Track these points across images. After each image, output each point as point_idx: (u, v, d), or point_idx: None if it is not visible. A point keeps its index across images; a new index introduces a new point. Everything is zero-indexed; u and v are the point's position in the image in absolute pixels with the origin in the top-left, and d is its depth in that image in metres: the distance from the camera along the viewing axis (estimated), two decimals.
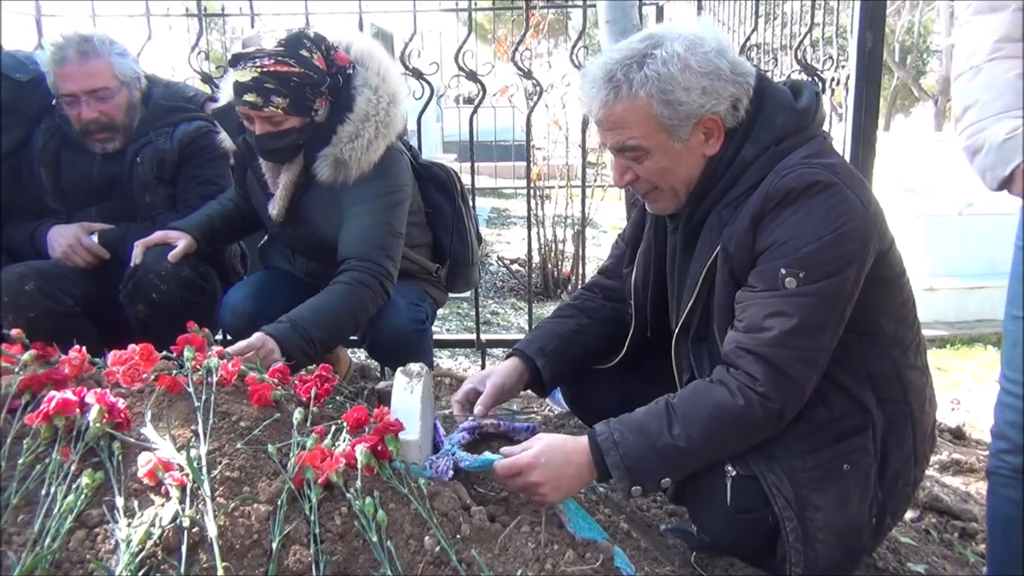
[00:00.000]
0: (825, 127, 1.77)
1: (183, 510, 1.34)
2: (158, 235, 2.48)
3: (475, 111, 3.34)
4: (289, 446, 1.53)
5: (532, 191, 4.05)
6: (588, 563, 1.49)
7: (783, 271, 1.53)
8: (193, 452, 1.44)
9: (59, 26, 3.30)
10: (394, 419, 1.57)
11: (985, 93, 1.55)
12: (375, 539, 1.38)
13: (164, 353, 1.73)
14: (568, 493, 1.62)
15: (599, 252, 6.21)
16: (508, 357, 2.03)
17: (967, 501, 2.45)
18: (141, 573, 1.28)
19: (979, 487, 2.54)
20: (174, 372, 1.67)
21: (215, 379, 1.64)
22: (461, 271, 2.81)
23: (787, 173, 1.56)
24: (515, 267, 6.16)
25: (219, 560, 1.29)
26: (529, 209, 3.74)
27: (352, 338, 2.63)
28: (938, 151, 7.41)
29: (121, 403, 1.52)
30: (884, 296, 1.66)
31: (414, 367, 1.69)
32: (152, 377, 1.65)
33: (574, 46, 3.24)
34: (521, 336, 3.57)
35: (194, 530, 1.32)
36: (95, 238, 2.62)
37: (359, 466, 1.47)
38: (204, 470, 1.41)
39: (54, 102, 2.65)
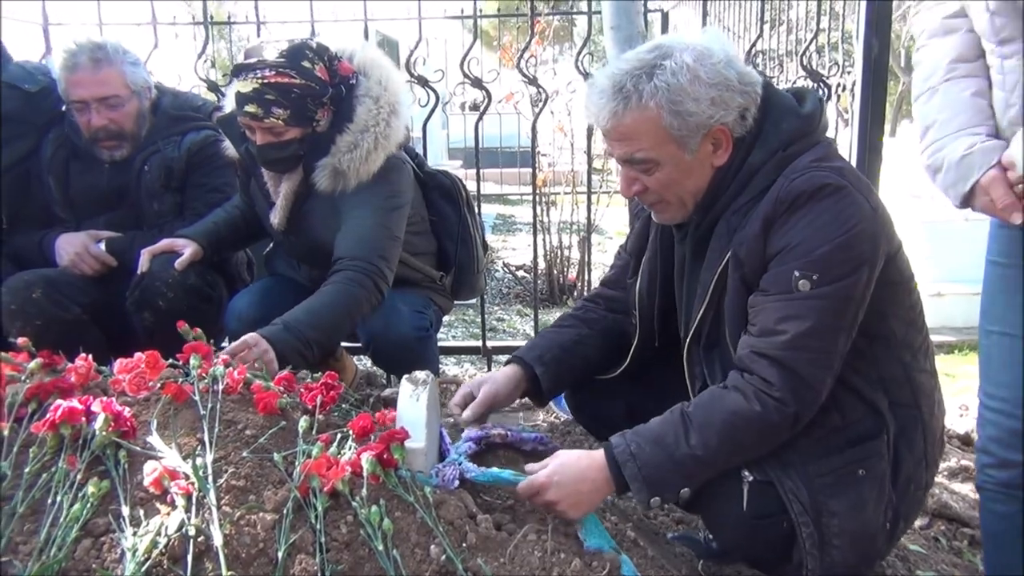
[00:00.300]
0: (831, 133, 1.78)
1: (189, 519, 1.34)
2: (164, 243, 2.49)
3: (480, 118, 3.35)
4: (295, 454, 1.52)
5: (538, 197, 4.05)
6: (595, 572, 1.48)
7: (796, 274, 1.53)
8: (199, 461, 1.44)
9: (66, 34, 3.32)
10: (400, 427, 1.57)
11: (942, 113, 1.58)
12: (381, 548, 1.37)
13: (170, 361, 1.73)
14: (587, 509, 1.61)
15: (605, 258, 6.20)
16: (507, 364, 2.03)
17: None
18: None
19: None
20: (180, 380, 1.67)
21: (221, 387, 1.63)
22: (466, 279, 2.80)
23: (796, 177, 1.55)
24: (521, 273, 6.15)
25: (224, 569, 1.28)
26: (535, 215, 3.74)
27: (356, 345, 2.63)
28: None
29: (127, 411, 1.52)
30: (894, 299, 1.66)
31: (420, 375, 1.69)
32: (158, 385, 1.64)
33: (579, 53, 3.25)
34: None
35: (200, 539, 1.32)
36: (102, 246, 2.63)
37: (365, 474, 1.47)
38: (210, 479, 1.41)
39: (64, 108, 2.66)
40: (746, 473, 1.60)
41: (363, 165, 2.31)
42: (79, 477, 1.42)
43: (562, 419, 2.93)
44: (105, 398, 1.54)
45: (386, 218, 2.38)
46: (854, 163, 3.07)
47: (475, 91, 3.34)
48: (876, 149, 3.14)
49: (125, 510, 1.37)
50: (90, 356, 1.74)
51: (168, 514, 1.36)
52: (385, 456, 1.50)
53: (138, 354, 1.71)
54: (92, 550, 1.34)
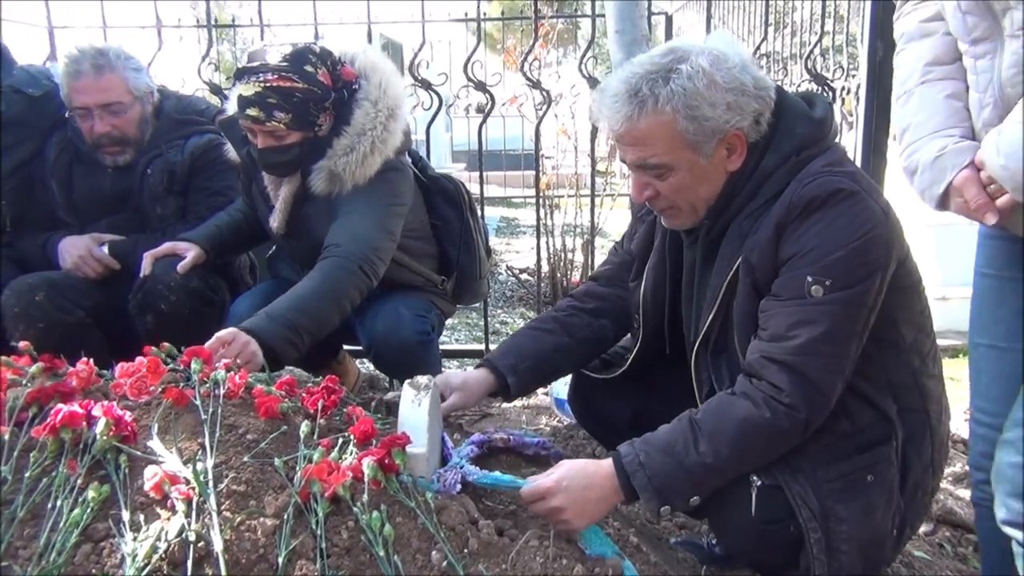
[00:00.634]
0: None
1: (189, 524, 1.33)
2: (167, 246, 2.48)
3: (484, 121, 3.34)
4: (296, 459, 1.52)
5: (541, 200, 4.04)
6: None
7: (809, 279, 1.52)
8: (199, 465, 1.43)
9: (71, 37, 3.33)
10: (401, 432, 1.56)
11: (917, 116, 1.57)
12: (382, 553, 1.37)
13: (171, 366, 1.72)
14: (593, 518, 1.60)
15: None
16: (479, 367, 2.00)
17: None
18: None
19: None
20: (181, 384, 1.67)
21: (222, 391, 1.63)
22: (468, 284, 2.79)
23: (809, 181, 1.55)
24: (524, 276, 6.14)
25: (225, 575, 1.28)
26: (538, 218, 3.73)
27: (358, 348, 2.62)
28: None
29: (128, 416, 1.52)
30: (904, 304, 1.65)
31: (422, 379, 1.68)
32: (159, 389, 1.64)
33: (583, 56, 3.24)
34: None
35: (200, 544, 1.32)
36: (105, 249, 2.63)
37: (366, 480, 1.46)
38: (210, 483, 1.40)
39: (67, 115, 2.67)
40: (755, 478, 1.59)
41: (359, 169, 2.30)
42: (79, 482, 1.42)
43: (565, 423, 2.92)
44: (106, 402, 1.53)
45: (381, 215, 2.36)
46: (859, 166, 3.07)
47: (479, 94, 3.34)
48: (881, 152, 3.13)
49: (125, 515, 1.37)
50: (91, 360, 1.73)
51: (168, 519, 1.36)
52: (386, 461, 1.49)
53: (139, 358, 1.71)
54: (92, 555, 1.33)
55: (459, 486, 1.61)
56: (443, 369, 3.29)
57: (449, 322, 3.62)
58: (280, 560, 1.32)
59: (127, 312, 2.49)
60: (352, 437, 1.60)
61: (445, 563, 1.39)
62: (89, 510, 1.37)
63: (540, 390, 3.46)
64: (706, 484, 1.58)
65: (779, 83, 3.69)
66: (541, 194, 4.04)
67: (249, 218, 2.63)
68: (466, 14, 3.51)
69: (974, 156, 1.45)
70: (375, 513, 1.41)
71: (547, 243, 5.42)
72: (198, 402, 1.59)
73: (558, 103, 4.68)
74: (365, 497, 1.44)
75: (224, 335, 1.91)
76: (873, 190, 1.59)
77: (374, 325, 2.42)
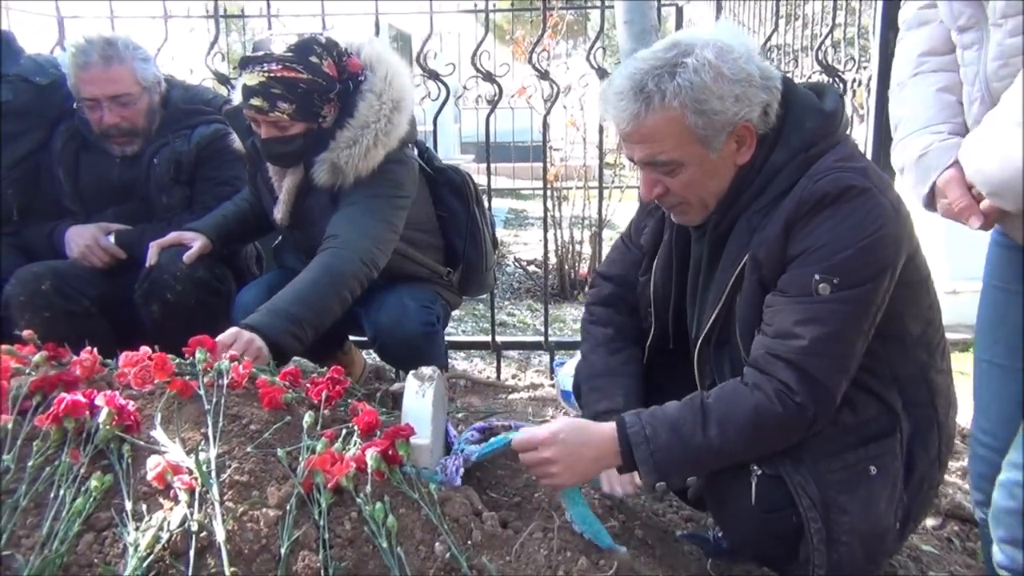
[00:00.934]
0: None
1: (191, 514, 1.33)
2: (173, 236, 2.48)
3: (492, 112, 3.33)
4: (299, 450, 1.51)
5: (549, 192, 4.03)
6: (602, 571, 1.47)
7: (817, 277, 1.50)
8: (202, 455, 1.43)
9: (81, 27, 3.32)
10: (405, 423, 1.55)
11: (907, 110, 1.52)
12: (385, 545, 1.36)
13: (177, 361, 1.71)
14: (582, 477, 1.59)
15: None
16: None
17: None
18: None
19: None
20: (185, 374, 1.66)
21: (226, 381, 1.62)
22: (474, 276, 2.78)
23: (820, 177, 1.52)
24: (532, 268, 6.13)
25: (227, 565, 1.28)
26: (546, 210, 3.71)
27: (364, 339, 2.61)
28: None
29: (131, 405, 1.51)
30: (911, 299, 1.63)
31: (426, 371, 1.67)
32: (163, 380, 1.64)
33: (591, 47, 3.22)
34: (537, 338, 3.59)
35: (202, 534, 1.32)
36: (112, 238, 2.63)
37: (369, 471, 1.45)
38: (213, 474, 1.40)
39: (75, 106, 2.66)
40: (755, 467, 1.58)
41: (362, 162, 2.29)
42: (82, 471, 1.42)
43: (572, 415, 2.91)
44: (109, 392, 1.53)
45: (382, 206, 2.35)
46: (869, 159, 3.04)
47: (487, 85, 3.32)
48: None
49: (128, 505, 1.37)
50: (95, 349, 1.73)
51: (171, 509, 1.36)
52: (390, 452, 1.48)
53: (144, 348, 1.70)
54: (95, 544, 1.33)
55: (462, 471, 1.61)
56: (449, 360, 3.30)
57: (456, 313, 3.61)
58: (282, 551, 1.32)
59: (133, 302, 2.49)
60: (356, 428, 1.60)
61: (448, 555, 1.38)
62: (92, 499, 1.37)
63: (546, 381, 3.46)
64: (707, 467, 1.58)
65: (790, 75, 3.67)
66: (549, 186, 4.02)
67: (255, 208, 2.63)
68: (475, 4, 3.49)
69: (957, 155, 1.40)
70: (378, 504, 1.40)
71: (555, 235, 5.41)
72: (202, 392, 1.59)
73: (567, 94, 4.65)
74: (368, 488, 1.43)
75: (225, 338, 1.88)
76: (884, 185, 1.56)
77: (379, 316, 2.41)
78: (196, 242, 2.46)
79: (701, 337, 1.72)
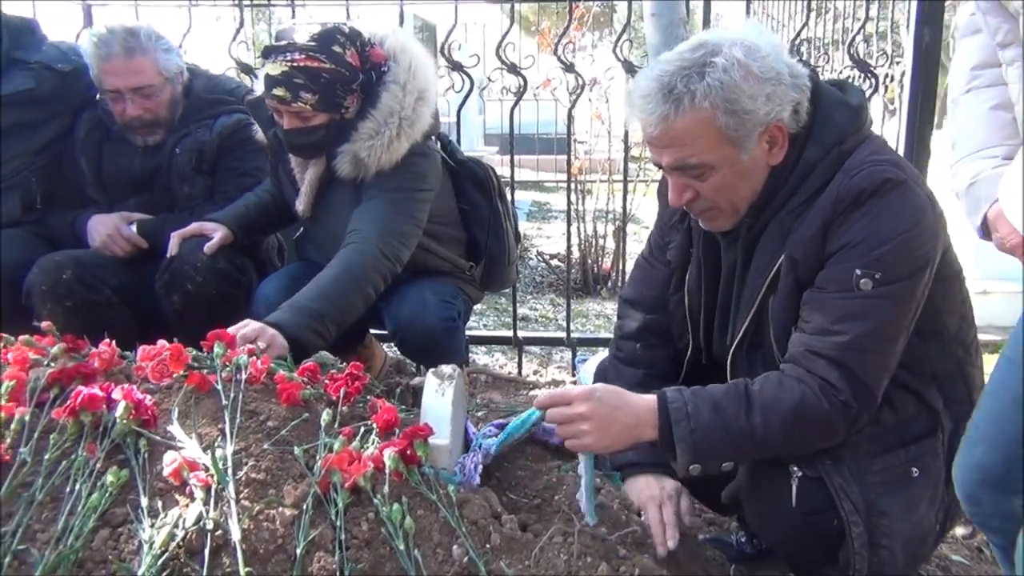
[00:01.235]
0: (876, 126, 1.68)
1: (207, 512, 1.32)
2: (194, 226, 2.47)
3: (516, 104, 3.29)
4: (316, 447, 1.49)
5: (573, 185, 3.98)
6: None
7: (858, 272, 1.46)
8: (219, 452, 1.41)
9: (106, 14, 3.32)
10: (424, 423, 1.53)
11: (960, 131, 1.46)
12: (402, 547, 1.34)
13: (195, 354, 1.70)
14: (612, 442, 1.52)
15: (640, 248, 6.11)
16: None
17: None
18: None
19: None
20: (203, 368, 1.64)
21: (244, 376, 1.61)
22: (497, 270, 2.75)
23: (856, 172, 1.48)
24: (554, 262, 6.09)
25: (242, 565, 1.26)
26: (569, 203, 3.68)
27: (383, 332, 2.59)
28: None
29: (148, 399, 1.50)
30: (947, 294, 1.59)
31: (446, 369, 1.64)
32: (181, 373, 1.62)
33: (618, 39, 3.17)
34: (560, 334, 3.55)
35: (218, 533, 1.30)
36: (134, 228, 2.62)
37: (387, 471, 1.43)
38: (229, 471, 1.39)
39: (97, 97, 2.65)
40: (795, 468, 1.54)
41: (385, 153, 2.26)
42: (99, 465, 1.41)
43: None
44: (127, 385, 1.51)
45: (405, 200, 2.32)
46: (902, 156, 2.98)
47: (512, 77, 3.28)
48: (925, 142, 3.04)
49: (144, 500, 1.36)
50: (116, 341, 1.72)
51: (186, 506, 1.34)
52: (408, 452, 1.46)
53: (161, 341, 1.69)
54: (110, 540, 1.32)
55: (480, 472, 1.58)
56: (470, 355, 3.27)
57: (478, 308, 3.58)
58: (298, 551, 1.30)
59: (154, 291, 2.48)
60: (375, 426, 1.57)
61: (466, 558, 1.36)
62: (108, 494, 1.36)
63: (568, 378, 3.43)
64: (744, 454, 1.53)
65: (819, 69, 3.60)
66: (573, 179, 3.98)
67: (277, 199, 2.61)
68: None
69: None
70: (396, 505, 1.38)
71: (578, 229, 5.37)
72: (220, 387, 1.57)
73: (592, 87, 4.60)
74: (386, 488, 1.41)
75: (249, 333, 1.85)
76: (918, 178, 1.53)
77: (399, 311, 2.39)
78: (217, 233, 2.45)
79: (735, 343, 1.68)
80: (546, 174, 9.93)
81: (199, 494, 1.34)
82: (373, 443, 1.52)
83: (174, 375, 1.62)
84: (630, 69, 3.13)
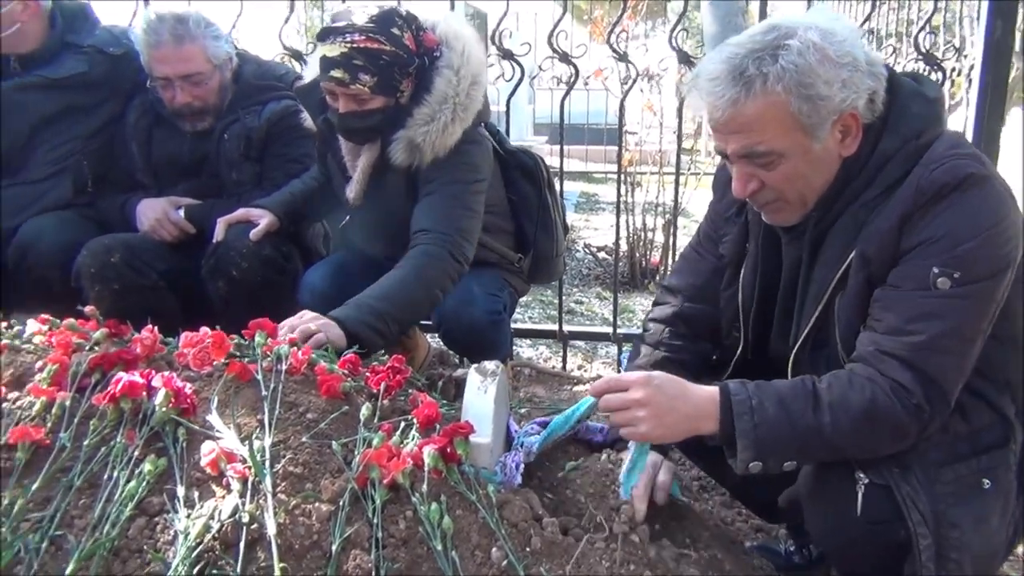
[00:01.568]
0: None
1: (243, 504, 1.30)
2: (240, 212, 2.46)
3: (567, 93, 3.23)
4: (355, 442, 1.46)
5: (623, 177, 3.91)
6: None
7: (935, 270, 1.38)
8: (257, 444, 1.39)
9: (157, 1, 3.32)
10: (465, 420, 1.49)
11: None
12: (439, 548, 1.30)
13: (237, 341, 1.68)
14: (668, 432, 1.47)
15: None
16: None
17: None
18: (197, 569, 1.24)
19: None
20: (244, 358, 1.63)
21: (284, 367, 1.58)
22: (544, 263, 2.70)
23: (937, 166, 1.40)
24: (602, 255, 6.01)
25: (276, 560, 1.23)
26: (619, 195, 3.61)
27: (427, 323, 2.56)
28: None
29: (188, 388, 1.48)
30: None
31: (489, 365, 1.60)
32: (222, 362, 1.60)
33: (673, 28, 3.09)
34: (606, 329, 3.49)
35: (253, 526, 1.28)
36: (182, 213, 2.63)
37: (426, 468, 1.39)
38: (267, 464, 1.36)
39: (148, 83, 2.66)
40: (861, 475, 1.46)
41: (440, 139, 2.22)
42: (137, 453, 1.40)
43: None
44: (167, 373, 1.50)
45: (463, 193, 2.29)
46: None
47: (564, 66, 3.22)
48: (994, 137, 2.91)
49: (180, 490, 1.34)
50: (159, 327, 1.71)
51: (223, 498, 1.32)
52: (448, 450, 1.42)
53: (204, 328, 1.67)
54: (146, 529, 1.31)
55: (521, 471, 1.53)
56: (514, 348, 3.23)
57: (523, 300, 3.53)
58: (334, 548, 1.27)
59: (200, 276, 2.49)
60: (415, 421, 1.54)
61: (505, 562, 1.31)
62: (145, 483, 1.35)
63: (613, 374, 3.36)
64: (809, 454, 1.47)
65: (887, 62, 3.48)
66: (623, 170, 3.91)
67: (323, 187, 2.59)
68: None
69: None
70: (434, 505, 1.34)
71: (627, 221, 5.29)
72: (260, 377, 1.55)
73: (645, 78, 4.52)
74: (425, 487, 1.37)
75: (310, 324, 1.85)
76: (998, 174, 1.44)
77: (445, 302, 2.35)
78: (263, 219, 2.44)
79: (798, 343, 1.61)
80: (595, 165, 9.85)
81: (236, 486, 1.33)
82: (413, 439, 1.49)
83: (215, 363, 1.60)
84: (685, 59, 3.05)
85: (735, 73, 1.41)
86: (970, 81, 3.07)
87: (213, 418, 1.45)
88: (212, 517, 1.29)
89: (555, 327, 3.42)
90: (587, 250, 6.13)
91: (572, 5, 3.29)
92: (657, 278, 5.39)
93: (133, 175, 2.75)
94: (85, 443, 1.40)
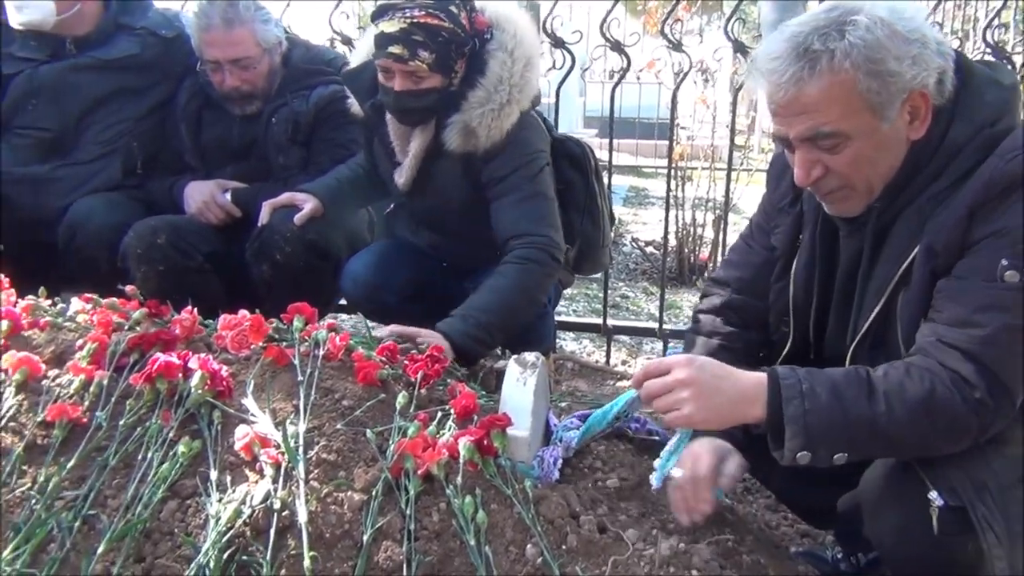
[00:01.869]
0: None
1: (275, 490, 1.28)
2: (285, 196, 2.46)
3: (618, 83, 3.17)
4: (390, 431, 1.44)
5: (673, 171, 3.84)
6: None
7: (1004, 262, 1.30)
8: (291, 429, 1.37)
9: None
10: (503, 412, 1.45)
11: None
12: (473, 542, 1.27)
13: (275, 325, 1.67)
14: (712, 416, 1.41)
15: None
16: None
17: None
18: (227, 554, 1.22)
19: None
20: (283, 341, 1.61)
21: (322, 352, 1.56)
22: (590, 253, 2.64)
23: (1012, 157, 1.32)
24: (650, 250, 5.93)
25: (307, 549, 1.22)
26: (668, 190, 3.54)
27: None
28: None
29: (224, 371, 1.47)
30: None
31: (529, 357, 1.56)
32: (260, 345, 1.59)
33: (729, 19, 3.02)
34: (651, 325, 3.43)
35: (284, 513, 1.26)
36: (229, 196, 2.64)
37: (462, 460, 1.36)
38: (300, 450, 1.34)
39: (198, 66, 2.67)
40: (935, 496, 1.37)
41: (496, 122, 2.18)
42: (172, 434, 1.39)
43: None
44: (204, 355, 1.49)
45: (535, 182, 2.27)
46: None
47: (616, 58, 3.16)
48: None
49: (213, 474, 1.34)
50: (196, 309, 1.70)
51: (255, 483, 1.31)
52: (485, 442, 1.38)
53: (243, 311, 1.66)
54: (177, 512, 1.31)
55: (559, 467, 1.50)
56: (557, 341, 3.19)
57: (567, 293, 3.49)
58: (365, 538, 1.25)
59: (244, 261, 2.49)
60: (452, 411, 1.51)
61: (540, 559, 1.28)
62: (179, 465, 1.35)
63: None
64: (860, 445, 1.37)
65: None
66: (673, 165, 3.84)
67: (369, 173, 2.57)
68: None
69: None
70: (468, 498, 1.31)
71: (676, 216, 5.21)
72: (296, 362, 1.53)
73: (699, 70, 4.43)
74: (459, 479, 1.34)
75: (427, 340, 1.90)
76: None
77: None
78: (308, 204, 2.43)
79: (855, 340, 1.54)
80: (645, 159, 9.73)
81: (268, 471, 1.31)
82: (450, 429, 1.46)
83: (252, 346, 1.59)
84: (740, 49, 2.97)
85: (799, 50, 1.35)
86: None
87: (248, 402, 1.44)
88: (244, 502, 1.28)
89: (599, 321, 3.36)
90: (634, 244, 6.05)
91: None
92: (705, 274, 5.29)
93: (182, 157, 2.76)
94: (121, 423, 1.40)
